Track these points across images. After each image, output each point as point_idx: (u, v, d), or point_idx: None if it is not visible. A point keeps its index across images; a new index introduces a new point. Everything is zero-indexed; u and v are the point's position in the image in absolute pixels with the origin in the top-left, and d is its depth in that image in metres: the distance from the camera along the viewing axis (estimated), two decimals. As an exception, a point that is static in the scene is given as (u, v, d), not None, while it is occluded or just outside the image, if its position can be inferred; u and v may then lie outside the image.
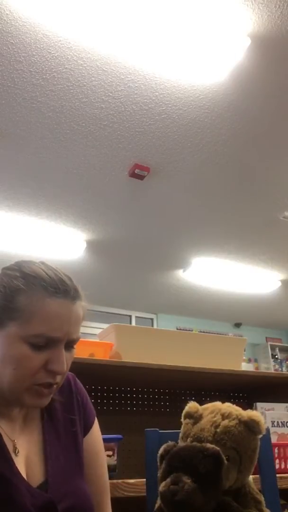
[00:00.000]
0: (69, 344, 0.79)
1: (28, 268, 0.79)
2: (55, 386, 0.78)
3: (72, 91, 2.48)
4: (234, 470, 0.74)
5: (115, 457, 1.33)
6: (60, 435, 0.85)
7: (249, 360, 6.52)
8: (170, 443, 0.78)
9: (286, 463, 1.45)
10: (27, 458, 0.78)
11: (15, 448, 0.76)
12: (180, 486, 0.66)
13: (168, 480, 0.68)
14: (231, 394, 2.09)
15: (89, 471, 0.88)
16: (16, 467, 0.74)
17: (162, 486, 0.68)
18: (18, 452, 0.77)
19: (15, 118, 2.65)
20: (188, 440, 0.79)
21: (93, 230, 4.03)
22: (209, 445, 0.72)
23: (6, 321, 0.75)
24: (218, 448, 0.71)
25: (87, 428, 0.91)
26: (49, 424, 0.84)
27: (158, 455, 0.79)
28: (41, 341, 0.74)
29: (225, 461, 0.70)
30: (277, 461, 1.42)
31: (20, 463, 0.76)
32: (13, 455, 0.75)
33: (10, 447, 0.76)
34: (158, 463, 0.79)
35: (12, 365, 0.74)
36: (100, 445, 0.94)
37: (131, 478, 1.21)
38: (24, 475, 0.75)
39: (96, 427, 0.94)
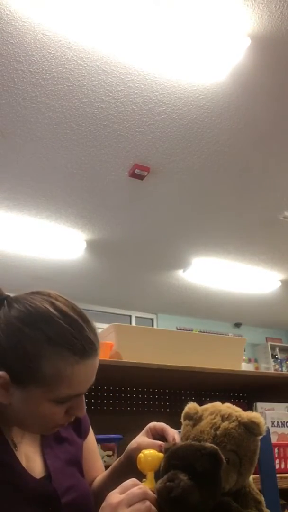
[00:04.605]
0: None
1: (49, 326, 0.71)
2: None
3: (72, 91, 2.48)
4: (234, 472, 0.74)
5: (115, 457, 1.33)
6: (60, 435, 0.87)
7: (249, 360, 6.52)
8: (169, 442, 0.79)
9: (286, 463, 1.44)
10: (27, 456, 0.79)
11: (14, 444, 0.78)
12: (176, 483, 0.66)
13: (165, 477, 0.68)
14: (231, 394, 2.09)
15: (90, 466, 0.94)
16: (18, 459, 0.76)
17: (158, 483, 0.69)
18: (17, 448, 0.78)
19: (15, 118, 2.65)
20: (188, 440, 0.79)
21: (93, 230, 4.03)
22: (207, 444, 0.72)
23: (29, 383, 0.70)
24: (216, 447, 0.70)
25: (86, 433, 0.96)
26: None
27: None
28: (67, 399, 0.73)
29: (224, 460, 0.70)
30: (277, 461, 1.42)
31: (20, 457, 0.77)
32: (13, 450, 0.77)
33: (10, 443, 0.78)
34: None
35: (34, 418, 0.74)
36: (97, 451, 1.01)
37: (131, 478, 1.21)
38: (25, 468, 0.77)
39: (92, 434, 0.99)
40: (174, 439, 0.80)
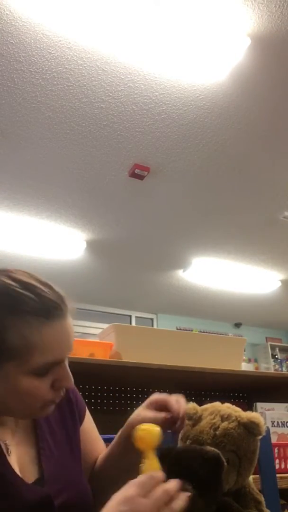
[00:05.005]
0: None
1: (6, 296, 0.69)
2: None
3: (72, 91, 2.48)
4: (233, 472, 0.74)
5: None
6: (53, 430, 0.84)
7: (249, 360, 6.52)
8: (167, 446, 0.77)
9: (286, 463, 1.44)
10: (20, 458, 0.76)
11: (7, 449, 0.74)
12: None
13: None
14: (231, 394, 2.09)
15: (90, 448, 0.91)
16: (10, 465, 0.72)
17: None
18: (10, 452, 0.74)
19: (15, 118, 2.65)
20: (188, 442, 0.79)
21: (93, 230, 4.03)
22: (209, 448, 0.71)
23: (1, 362, 0.67)
24: (218, 451, 0.70)
25: (81, 417, 0.92)
26: (41, 421, 0.83)
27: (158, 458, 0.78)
28: (45, 368, 0.70)
29: (225, 464, 0.70)
30: (277, 461, 1.42)
31: (13, 463, 0.74)
32: (6, 455, 0.74)
33: (3, 447, 0.74)
34: None
35: (18, 398, 0.70)
36: (96, 431, 0.97)
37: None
38: (18, 473, 0.74)
39: (88, 415, 0.96)
40: (178, 413, 0.77)
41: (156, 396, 0.82)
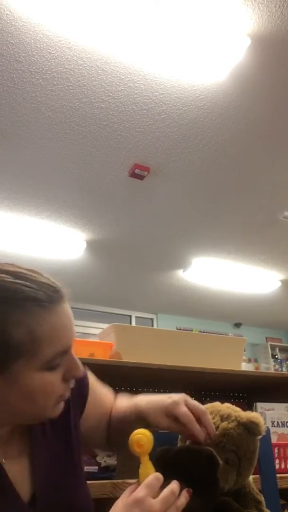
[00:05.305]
0: None
1: (2, 289, 0.64)
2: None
3: (72, 91, 2.48)
4: (233, 472, 0.74)
5: (115, 457, 1.33)
6: (49, 437, 0.79)
7: (249, 360, 6.52)
8: (164, 448, 0.77)
9: (286, 463, 1.44)
10: (13, 473, 0.71)
11: (2, 468, 0.70)
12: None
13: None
14: (231, 394, 2.09)
15: (104, 410, 0.90)
16: (10, 482, 0.68)
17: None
18: (8, 471, 0.70)
19: (15, 118, 2.65)
20: (187, 442, 0.79)
21: (93, 230, 4.03)
22: (203, 448, 0.72)
23: (10, 362, 0.62)
24: (211, 450, 0.71)
25: (84, 400, 0.87)
26: (37, 429, 0.77)
27: (155, 460, 0.78)
28: (56, 359, 0.66)
29: (220, 462, 0.70)
30: (277, 461, 1.42)
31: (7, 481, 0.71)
32: (5, 474, 0.69)
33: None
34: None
35: (31, 400, 0.66)
36: (101, 387, 0.94)
37: (131, 478, 1.20)
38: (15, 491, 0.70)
39: (91, 378, 0.92)
40: (206, 438, 0.75)
41: (179, 411, 0.76)
